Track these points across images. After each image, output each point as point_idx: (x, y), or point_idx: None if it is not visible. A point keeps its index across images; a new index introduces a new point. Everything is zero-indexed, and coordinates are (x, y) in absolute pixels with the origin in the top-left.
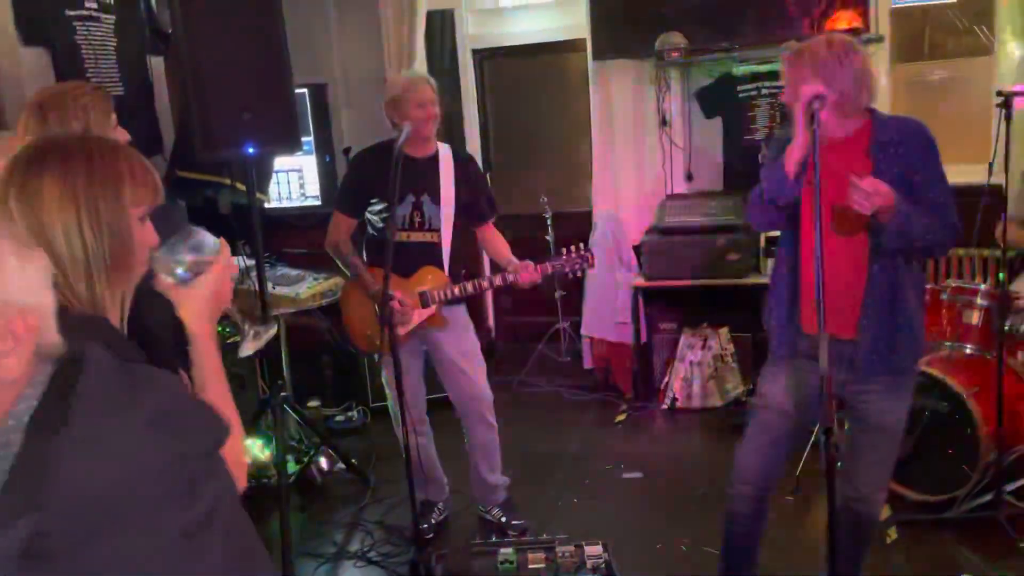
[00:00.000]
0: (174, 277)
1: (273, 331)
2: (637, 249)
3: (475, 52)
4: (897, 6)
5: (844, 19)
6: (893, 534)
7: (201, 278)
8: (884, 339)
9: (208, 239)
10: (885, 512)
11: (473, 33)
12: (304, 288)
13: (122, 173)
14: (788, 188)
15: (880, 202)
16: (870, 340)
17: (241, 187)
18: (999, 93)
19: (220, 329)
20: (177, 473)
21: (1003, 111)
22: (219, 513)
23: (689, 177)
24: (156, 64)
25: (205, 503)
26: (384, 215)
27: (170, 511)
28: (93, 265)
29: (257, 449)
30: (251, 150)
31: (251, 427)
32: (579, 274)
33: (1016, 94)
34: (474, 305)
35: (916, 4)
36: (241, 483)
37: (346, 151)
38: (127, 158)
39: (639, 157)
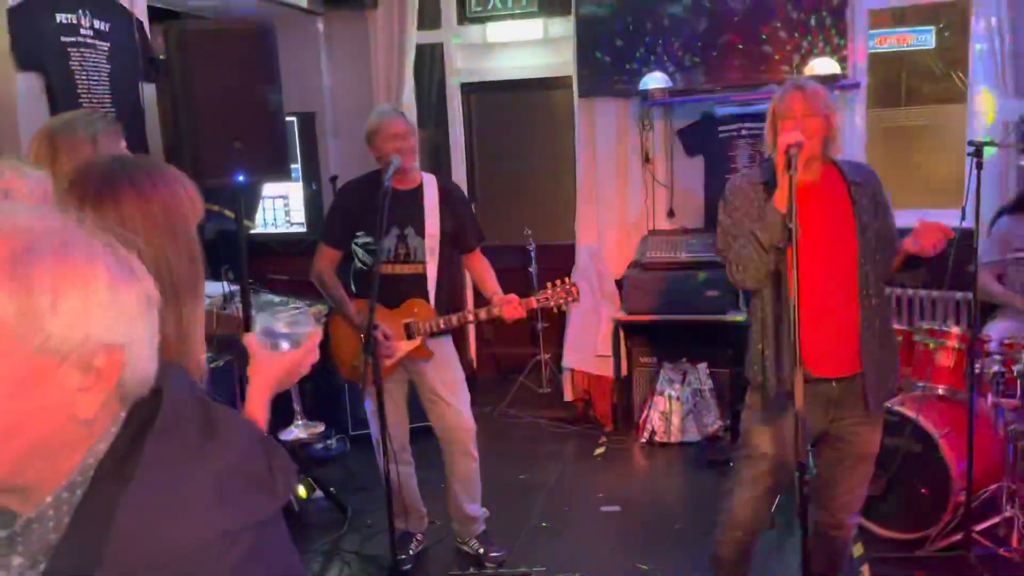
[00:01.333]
0: (269, 343)
1: None
2: (619, 283)
3: (463, 86)
4: (874, 51)
5: (823, 64)
6: (866, 572)
7: (288, 352)
8: (883, 370)
9: (309, 322)
10: (858, 550)
11: (461, 67)
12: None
13: (181, 192)
14: (786, 230)
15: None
16: (873, 373)
17: (229, 213)
18: (970, 143)
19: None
20: (236, 546)
21: (974, 160)
22: None
23: (671, 214)
24: (146, 90)
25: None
26: (370, 247)
27: None
28: (180, 289)
29: None
30: (241, 178)
31: None
32: (564, 308)
33: (987, 144)
34: (456, 336)
35: (893, 50)
36: None
37: (333, 179)
38: (178, 176)
39: (622, 193)
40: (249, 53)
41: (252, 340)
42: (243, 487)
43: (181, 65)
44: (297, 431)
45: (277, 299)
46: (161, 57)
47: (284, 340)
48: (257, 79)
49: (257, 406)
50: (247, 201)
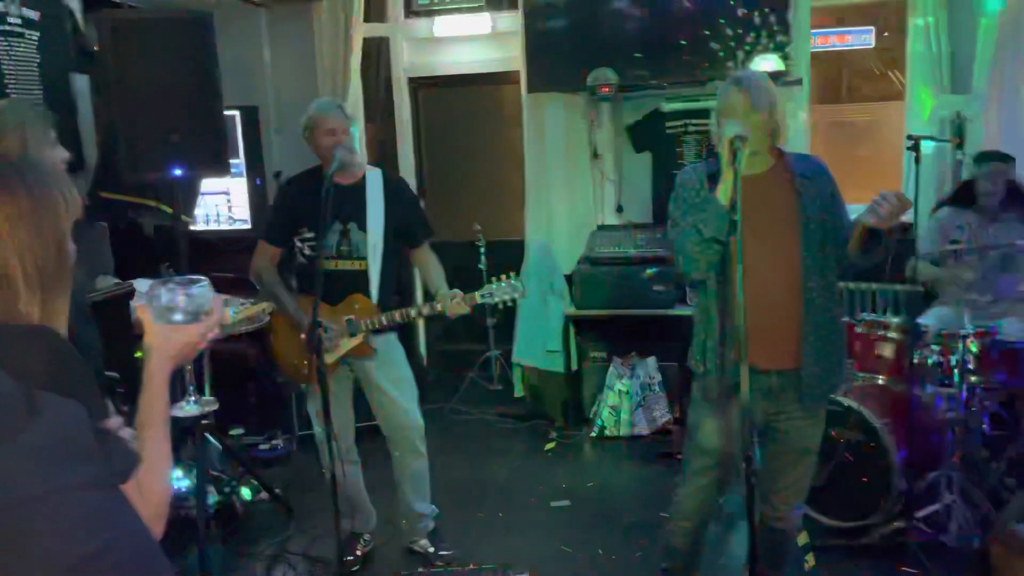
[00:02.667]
0: (163, 317)
1: None
2: (569, 278)
3: (411, 80)
4: (816, 50)
5: (767, 61)
6: (811, 560)
7: (187, 326)
8: (824, 364)
9: (209, 294)
10: (803, 539)
11: (409, 62)
12: (230, 313)
13: (53, 190)
14: (729, 222)
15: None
16: (813, 366)
17: (167, 209)
18: (909, 137)
19: (138, 354)
20: (63, 506)
21: (913, 154)
22: (114, 553)
23: (619, 209)
24: (80, 81)
25: (99, 540)
26: (312, 243)
27: (56, 544)
28: (45, 278)
29: (176, 479)
30: (178, 172)
31: (171, 455)
32: (509, 303)
33: (925, 138)
34: (405, 332)
35: (834, 49)
36: (157, 528)
37: (277, 175)
38: (55, 176)
39: (571, 188)
40: (186, 44)
41: (147, 313)
42: (62, 456)
43: (115, 55)
44: (189, 407)
45: (220, 297)
46: (95, 47)
47: (179, 313)
48: (195, 71)
49: (158, 382)
50: (185, 196)
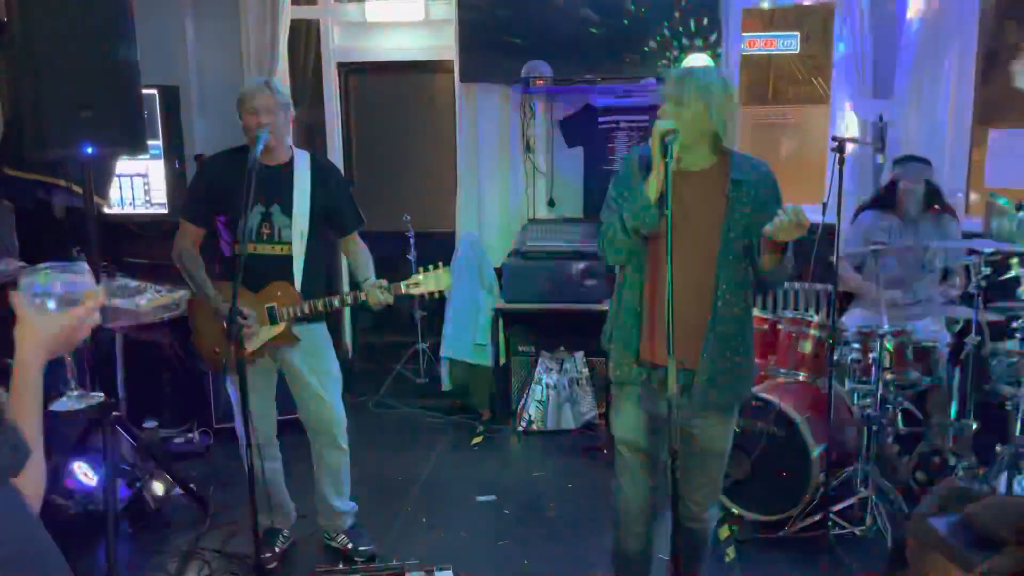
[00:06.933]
0: (36, 303)
1: None
2: (498, 272)
3: (340, 65)
4: (746, 53)
5: (699, 60)
6: (731, 553)
7: (62, 313)
8: (723, 371)
9: (87, 279)
10: (724, 532)
11: (339, 46)
12: (145, 300)
13: None
14: (651, 216)
15: (801, 233)
16: (709, 372)
17: (77, 189)
18: (834, 138)
19: None
20: None
21: (837, 155)
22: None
23: (551, 203)
24: None
25: None
26: (231, 225)
27: None
28: None
29: (83, 473)
30: (89, 150)
31: (77, 448)
32: (436, 295)
33: (849, 140)
34: (330, 323)
35: (763, 52)
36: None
37: (198, 157)
38: None
39: (503, 181)
40: (100, 15)
41: (19, 299)
42: None
43: (23, 24)
44: (70, 402)
45: (134, 283)
46: (3, 18)
47: (52, 300)
48: (110, 44)
49: (30, 373)
50: (98, 176)
